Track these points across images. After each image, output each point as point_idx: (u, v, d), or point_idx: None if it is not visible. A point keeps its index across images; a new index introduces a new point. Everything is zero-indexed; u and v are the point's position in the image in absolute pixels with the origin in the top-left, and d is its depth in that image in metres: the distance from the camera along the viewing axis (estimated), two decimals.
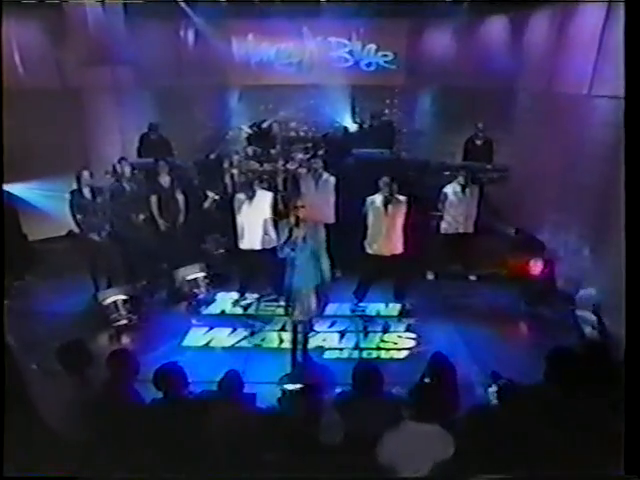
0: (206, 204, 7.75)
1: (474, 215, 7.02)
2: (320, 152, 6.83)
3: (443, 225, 7.07)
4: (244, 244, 6.24)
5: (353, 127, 9.06)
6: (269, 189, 6.83)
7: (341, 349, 5.69)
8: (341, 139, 8.69)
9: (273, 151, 8.19)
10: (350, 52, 9.60)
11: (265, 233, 6.16)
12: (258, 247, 6.20)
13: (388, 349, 5.70)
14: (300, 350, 5.43)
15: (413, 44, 9.49)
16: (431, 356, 4.04)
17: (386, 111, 9.04)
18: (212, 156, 8.83)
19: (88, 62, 7.64)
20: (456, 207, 6.92)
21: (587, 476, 2.46)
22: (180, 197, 7.16)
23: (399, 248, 6.17)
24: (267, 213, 6.15)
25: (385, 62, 9.62)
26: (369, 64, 9.66)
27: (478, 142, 7.91)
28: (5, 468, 2.54)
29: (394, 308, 6.52)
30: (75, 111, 7.97)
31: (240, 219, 6.17)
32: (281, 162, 8.06)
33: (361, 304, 6.50)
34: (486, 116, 8.12)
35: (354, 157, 7.88)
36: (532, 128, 7.81)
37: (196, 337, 5.91)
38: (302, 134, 9.19)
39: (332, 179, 6.93)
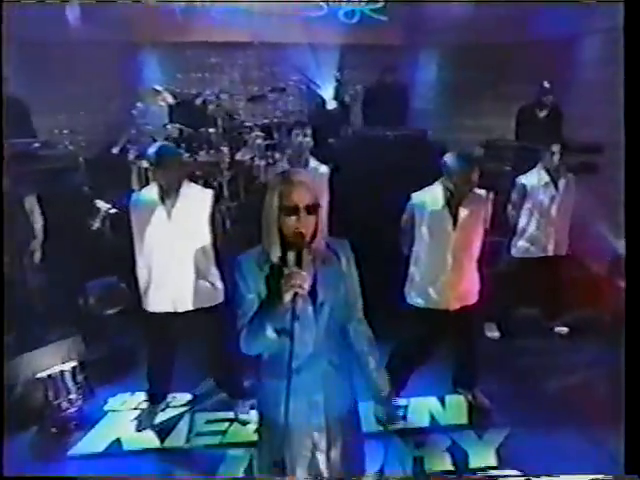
0: (94, 223, 4.36)
1: (568, 226, 4.09)
2: (304, 132, 3.63)
3: (520, 244, 4.06)
4: (153, 302, 2.91)
5: (333, 103, 5.99)
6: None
7: None
8: (320, 116, 5.57)
9: (212, 131, 4.92)
10: None
11: (201, 277, 2.87)
12: (187, 307, 2.89)
13: None
14: None
15: None
16: None
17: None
18: (115, 149, 5.46)
19: None
20: (545, 211, 3.95)
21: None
22: (35, 211, 3.78)
23: (474, 293, 3.11)
24: (205, 230, 2.88)
25: (372, 11, 6.65)
26: (351, 14, 6.64)
27: (541, 113, 5.06)
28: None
29: (456, 406, 3.41)
30: None
31: (146, 247, 2.85)
32: (226, 149, 4.83)
33: (398, 400, 3.34)
34: (535, 79, 5.37)
35: (352, 138, 4.78)
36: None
37: None
38: (256, 113, 5.91)
39: (324, 170, 3.78)
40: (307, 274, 1.63)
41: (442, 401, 3.46)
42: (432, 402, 3.45)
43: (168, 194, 2.76)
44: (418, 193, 2.95)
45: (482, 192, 2.97)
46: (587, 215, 4.55)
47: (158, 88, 5.13)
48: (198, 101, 5.57)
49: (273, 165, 4.81)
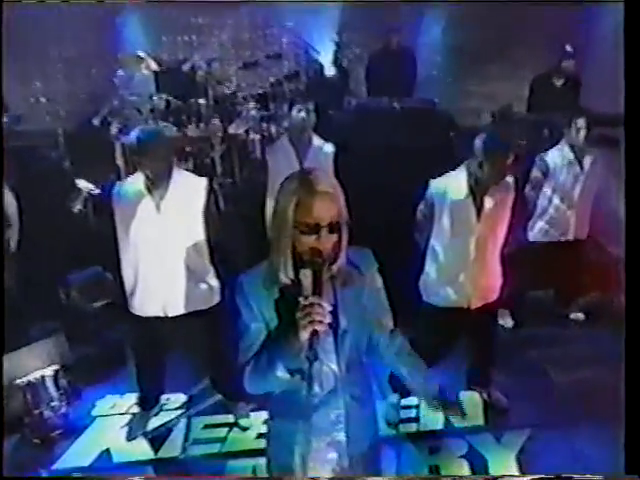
0: (76, 206, 4.00)
1: (590, 208, 3.80)
2: (306, 107, 3.20)
3: (538, 227, 3.78)
4: (140, 305, 2.60)
5: (331, 68, 5.54)
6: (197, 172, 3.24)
7: None
8: (319, 84, 5.14)
9: (202, 102, 4.50)
10: None
11: (194, 276, 2.55)
12: (179, 311, 2.59)
13: None
14: None
15: None
16: None
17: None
18: (96, 121, 5.04)
19: None
20: (567, 193, 3.65)
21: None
22: (8, 194, 3.41)
23: (496, 289, 2.85)
24: (198, 223, 2.54)
25: None
26: None
27: (558, 82, 4.69)
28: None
29: (471, 405, 3.19)
30: None
31: (132, 244, 2.51)
32: (217, 122, 4.43)
33: (407, 400, 3.10)
34: (549, 41, 5.01)
35: (354, 110, 4.39)
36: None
37: None
38: (249, 82, 5.44)
39: (329, 149, 3.42)
40: (328, 303, 1.33)
41: (456, 399, 3.24)
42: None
43: (156, 184, 2.40)
44: (438, 180, 2.62)
45: (510, 180, 2.65)
46: (606, 193, 4.26)
47: (141, 54, 4.66)
48: (185, 67, 5.12)
49: (269, 139, 4.45)
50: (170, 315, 2.54)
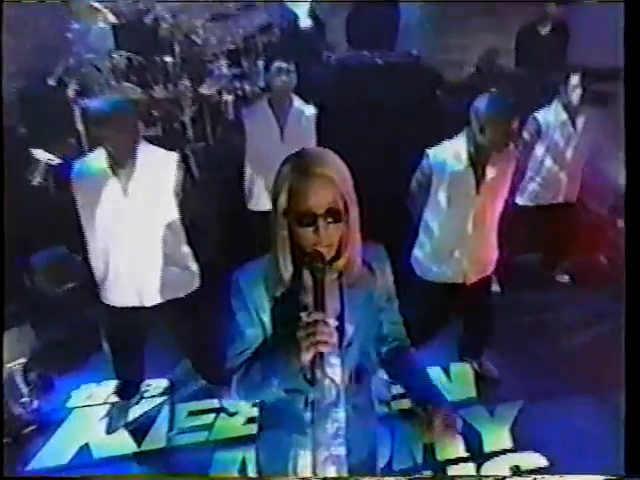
0: (35, 178, 3.68)
1: (581, 170, 3.67)
2: (287, 67, 2.87)
3: (528, 190, 3.64)
4: (113, 295, 2.38)
5: (307, 20, 5.13)
6: (166, 144, 2.94)
7: None
8: (293, 37, 4.75)
9: (169, 60, 4.12)
10: None
11: (170, 261, 2.32)
12: (156, 300, 2.37)
13: None
14: None
15: None
16: None
17: None
18: (51, 80, 4.59)
19: None
20: (559, 154, 3.49)
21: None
22: None
23: (493, 262, 2.72)
24: (171, 203, 2.29)
25: None
26: None
27: (543, 30, 4.45)
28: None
29: (462, 377, 3.13)
30: None
31: (99, 231, 2.25)
32: (187, 82, 4.07)
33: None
34: None
35: (334, 66, 4.08)
36: None
37: None
38: (220, 36, 4.98)
39: (311, 111, 3.14)
40: (333, 318, 1.15)
41: (447, 372, 3.18)
42: (436, 373, 3.15)
43: (121, 163, 2.12)
44: (436, 149, 2.41)
45: (512, 146, 2.46)
46: (596, 154, 4.13)
47: (95, 4, 4.18)
48: (148, 19, 4.65)
49: (244, 99, 4.13)
50: (147, 305, 2.33)
